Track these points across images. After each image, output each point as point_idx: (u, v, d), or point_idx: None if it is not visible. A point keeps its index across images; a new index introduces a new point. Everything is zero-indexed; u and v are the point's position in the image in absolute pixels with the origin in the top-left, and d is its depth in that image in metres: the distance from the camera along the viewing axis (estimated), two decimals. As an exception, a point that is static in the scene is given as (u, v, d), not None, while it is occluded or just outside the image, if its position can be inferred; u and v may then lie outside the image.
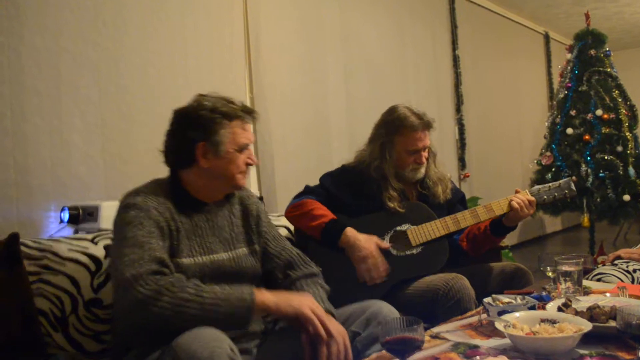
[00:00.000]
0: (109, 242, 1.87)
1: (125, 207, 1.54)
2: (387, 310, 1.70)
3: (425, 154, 2.30)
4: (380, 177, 2.27)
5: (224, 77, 3.49)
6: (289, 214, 2.25)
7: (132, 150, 2.96)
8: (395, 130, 2.27)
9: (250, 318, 1.42)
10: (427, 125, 2.27)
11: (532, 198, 2.21)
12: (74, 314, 1.72)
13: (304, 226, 2.18)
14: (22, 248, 1.71)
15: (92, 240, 1.87)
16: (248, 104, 3.44)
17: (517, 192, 2.26)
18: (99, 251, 1.84)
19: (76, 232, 2.30)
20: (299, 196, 2.28)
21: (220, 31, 3.48)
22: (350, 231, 2.12)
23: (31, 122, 2.56)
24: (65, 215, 2.31)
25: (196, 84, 3.29)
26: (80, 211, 2.30)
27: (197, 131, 1.60)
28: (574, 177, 4.36)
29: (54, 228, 2.45)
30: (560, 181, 2.30)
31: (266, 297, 1.46)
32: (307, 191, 2.28)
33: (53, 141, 2.64)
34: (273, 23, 3.80)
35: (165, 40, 3.16)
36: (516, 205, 2.18)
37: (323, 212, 2.17)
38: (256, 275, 1.73)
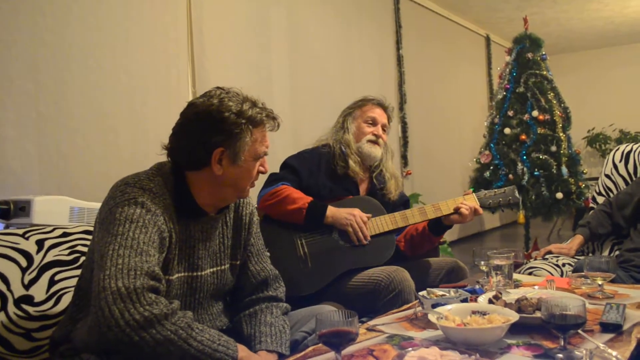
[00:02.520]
0: (41, 237, 1.82)
1: (129, 200, 1.38)
2: (328, 308, 1.71)
3: (382, 133, 2.41)
4: (342, 150, 2.36)
5: (168, 72, 3.43)
6: (265, 203, 2.24)
7: (70, 144, 2.87)
8: (356, 105, 2.45)
9: None
10: (385, 105, 2.46)
11: (479, 207, 2.28)
12: (3, 311, 1.65)
13: (283, 211, 2.19)
14: (-53, 243, 1.63)
15: (22, 236, 1.80)
16: (190, 98, 3.43)
17: (465, 194, 2.33)
18: (30, 246, 1.77)
19: (7, 227, 2.22)
20: (269, 184, 2.27)
21: (164, 25, 3.42)
22: (332, 208, 2.21)
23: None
24: (-4, 210, 2.22)
25: (138, 78, 3.22)
26: (12, 206, 2.22)
27: (219, 135, 1.44)
28: (513, 186, 4.50)
29: (-17, 223, 2.35)
30: (506, 188, 2.39)
31: (248, 359, 1.40)
32: (277, 178, 2.29)
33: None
34: (217, 17, 3.76)
35: (107, 33, 3.09)
36: (465, 212, 2.25)
37: (300, 195, 2.22)
38: (230, 289, 1.68)
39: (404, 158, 5.69)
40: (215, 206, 1.57)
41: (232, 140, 1.46)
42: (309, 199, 2.21)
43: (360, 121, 2.40)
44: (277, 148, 4.00)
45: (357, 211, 2.22)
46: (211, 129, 1.45)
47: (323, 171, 2.33)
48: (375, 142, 2.37)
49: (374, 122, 2.39)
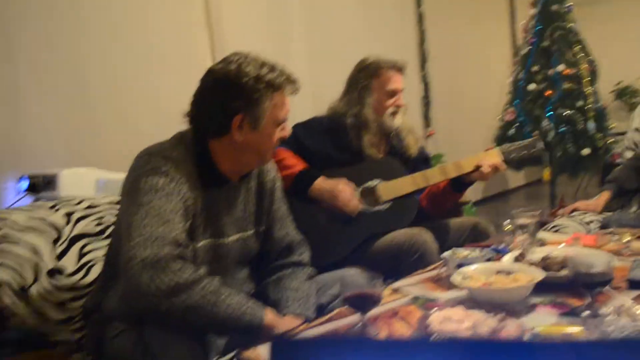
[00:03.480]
0: (69, 209, 1.85)
1: (153, 170, 1.40)
2: (353, 272, 1.73)
3: (401, 98, 2.31)
4: (358, 124, 2.27)
5: (186, 40, 3.42)
6: None
7: (92, 117, 2.91)
8: (372, 73, 2.28)
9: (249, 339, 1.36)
10: (401, 68, 2.31)
11: (501, 163, 2.21)
12: (37, 282, 1.70)
13: None
14: (-21, 219, 1.68)
15: (51, 208, 1.84)
16: (210, 63, 3.41)
17: (488, 149, 2.28)
18: (59, 219, 1.82)
19: (36, 201, 2.26)
20: None
21: (180, 21, 3.41)
22: (320, 180, 2.13)
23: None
24: (24, 184, 2.27)
25: (157, 49, 3.23)
26: (39, 179, 2.26)
27: (238, 101, 1.44)
28: (536, 132, 4.43)
29: (12, 199, 2.41)
30: (529, 140, 2.32)
31: (275, 323, 1.42)
32: None
33: (8, 110, 2.56)
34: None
35: (124, 5, 3.08)
36: (485, 170, 2.18)
37: (294, 162, 2.15)
38: (255, 255, 1.69)
39: (426, 118, 5.62)
40: (238, 173, 1.58)
41: (252, 106, 1.45)
42: (302, 166, 2.15)
43: (379, 94, 2.27)
44: (297, 114, 3.99)
45: (340, 182, 2.14)
46: (230, 95, 1.44)
47: (332, 140, 2.27)
48: (396, 112, 2.31)
49: (394, 94, 2.29)
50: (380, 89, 2.27)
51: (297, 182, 2.11)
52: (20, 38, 2.62)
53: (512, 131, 5.03)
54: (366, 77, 2.29)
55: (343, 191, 2.12)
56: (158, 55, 3.25)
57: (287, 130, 1.57)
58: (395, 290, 1.61)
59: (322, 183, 2.13)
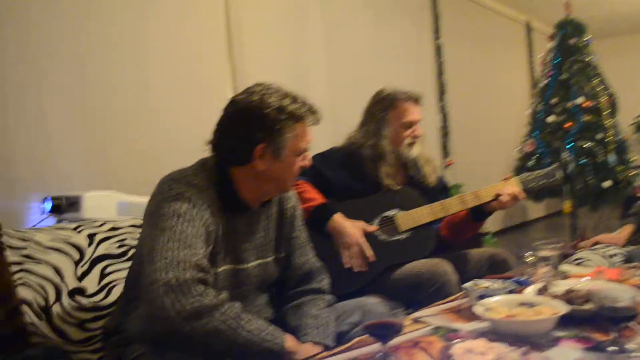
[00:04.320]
0: (92, 231, 1.87)
1: (176, 195, 1.41)
2: (374, 300, 1.72)
3: (419, 129, 2.31)
4: (375, 156, 2.26)
5: (208, 68, 3.49)
6: None
7: (115, 140, 2.95)
8: (389, 105, 2.28)
9: None
10: (417, 99, 2.30)
11: (520, 192, 2.19)
12: (58, 302, 1.71)
13: None
14: (4, 238, 1.69)
15: (74, 230, 1.86)
16: (230, 92, 3.46)
17: (505, 179, 2.27)
18: (81, 240, 1.83)
19: (59, 222, 2.29)
20: None
21: (201, 23, 3.47)
22: (338, 217, 2.12)
23: (12, 116, 2.54)
24: (48, 205, 2.30)
25: (182, 75, 3.29)
26: (63, 201, 2.29)
27: (260, 131, 1.45)
28: (556, 164, 4.40)
29: (35, 219, 2.44)
30: (547, 169, 2.31)
31: (295, 349, 1.42)
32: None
33: (34, 133, 2.61)
34: (254, 14, 3.78)
35: (152, 36, 3.15)
36: (504, 199, 2.16)
37: (313, 195, 2.15)
38: (275, 281, 1.69)
39: (445, 148, 5.62)
40: (259, 200, 1.59)
41: (274, 136, 1.46)
42: (321, 201, 2.14)
43: (396, 126, 2.26)
44: (317, 140, 4.02)
45: (359, 232, 2.09)
46: (253, 126, 1.46)
47: (350, 171, 2.27)
48: (413, 143, 2.30)
49: (411, 125, 2.28)
50: (397, 121, 2.27)
51: (313, 217, 2.10)
52: (47, 63, 2.68)
53: (531, 162, 5.00)
54: (383, 109, 2.29)
55: (357, 245, 2.08)
56: (180, 85, 3.31)
57: (308, 159, 1.58)
58: (416, 320, 1.58)
59: (339, 223, 2.10)
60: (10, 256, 1.68)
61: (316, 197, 2.16)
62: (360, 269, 2.10)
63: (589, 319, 1.41)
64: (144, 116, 3.11)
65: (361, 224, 2.14)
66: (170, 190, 1.43)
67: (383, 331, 1.29)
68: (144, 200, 1.51)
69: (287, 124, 1.47)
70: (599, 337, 1.36)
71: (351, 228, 2.10)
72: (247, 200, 1.54)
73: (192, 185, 1.45)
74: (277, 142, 1.47)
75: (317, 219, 2.11)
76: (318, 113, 1.55)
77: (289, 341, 1.41)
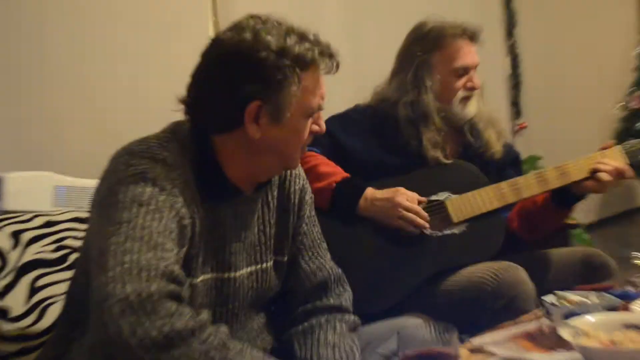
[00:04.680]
0: (16, 228, 1.88)
1: (136, 175, 1.40)
2: (414, 322, 1.75)
3: (476, 77, 2.31)
4: (416, 117, 2.28)
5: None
6: None
7: (53, 105, 2.97)
8: (434, 45, 2.30)
9: None
10: (474, 35, 2.31)
11: (626, 167, 2.19)
12: (-30, 330, 1.73)
13: None
14: None
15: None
16: (211, 30, 3.45)
17: (604, 148, 2.27)
18: (2, 241, 1.84)
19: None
20: None
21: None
22: (370, 192, 2.14)
23: None
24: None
25: (141, 11, 3.29)
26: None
27: (254, 84, 1.44)
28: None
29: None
30: None
31: None
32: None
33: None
34: None
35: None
36: (605, 176, 2.16)
37: (331, 169, 2.18)
38: (275, 296, 1.71)
39: (516, 105, 5.58)
40: (253, 181, 1.59)
41: (273, 91, 1.45)
42: (342, 175, 2.16)
43: (445, 74, 2.29)
44: (333, 98, 4.01)
45: (399, 191, 2.14)
46: (243, 76, 1.45)
47: (379, 138, 2.30)
48: (469, 97, 2.32)
49: (465, 72, 2.30)
50: (445, 66, 2.29)
51: (338, 196, 2.12)
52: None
53: (639, 124, 4.96)
54: (425, 49, 2.31)
55: (407, 200, 2.12)
56: (142, 21, 3.30)
57: (321, 123, 1.58)
58: (476, 350, 1.60)
59: (374, 194, 2.14)
60: None
61: (335, 171, 2.17)
62: (424, 230, 2.14)
63: None
64: (90, 64, 3.11)
65: (404, 190, 2.15)
66: (127, 168, 1.42)
67: (429, 365, 1.30)
68: (92, 183, 1.51)
69: (291, 73, 1.45)
70: None
71: (393, 192, 2.13)
72: (235, 181, 1.54)
73: (158, 161, 1.44)
74: (278, 98, 1.46)
75: (342, 201, 2.13)
76: (335, 56, 1.54)
77: None
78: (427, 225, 2.14)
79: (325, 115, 1.69)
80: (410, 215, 2.12)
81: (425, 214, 2.14)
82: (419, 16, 2.38)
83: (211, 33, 3.31)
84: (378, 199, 2.13)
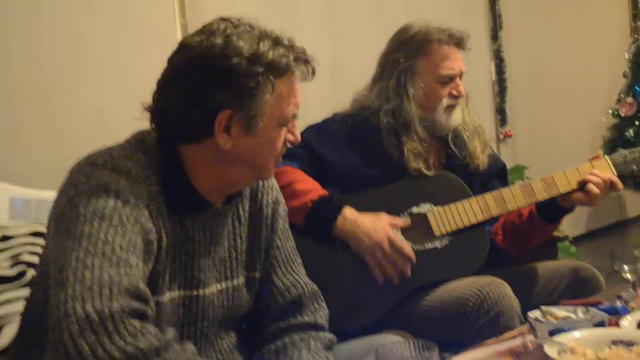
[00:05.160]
0: None
1: (99, 188, 1.39)
2: (393, 339, 1.73)
3: (462, 84, 2.32)
4: (398, 126, 2.29)
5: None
6: None
7: (8, 112, 2.95)
8: (418, 51, 2.30)
9: None
10: (460, 41, 2.31)
11: (616, 178, 2.21)
12: None
13: None
14: None
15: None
16: (179, 33, 3.45)
17: (593, 159, 2.28)
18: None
19: None
20: None
21: None
22: (349, 212, 2.14)
23: None
24: None
25: (107, 13, 3.28)
26: None
27: (224, 91, 1.45)
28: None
29: None
30: None
31: None
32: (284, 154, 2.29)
33: None
34: None
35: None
36: (595, 188, 2.17)
37: (307, 186, 2.17)
38: (247, 313, 1.71)
39: (501, 113, 5.61)
40: (223, 194, 1.60)
41: (245, 99, 1.46)
42: (320, 192, 2.16)
43: (429, 81, 2.29)
44: (310, 105, 4.01)
45: (385, 225, 2.14)
46: (213, 83, 1.45)
47: (358, 149, 2.30)
48: (454, 106, 2.33)
49: (450, 79, 2.30)
50: (430, 73, 2.30)
51: (314, 216, 2.12)
52: None
53: (630, 132, 5.01)
54: (409, 55, 2.31)
55: (385, 243, 2.11)
56: (107, 24, 3.29)
57: (296, 132, 1.59)
58: (458, 369, 1.60)
59: (348, 220, 2.13)
60: None
61: (312, 188, 2.17)
62: (405, 274, 2.11)
63: None
64: (48, 69, 3.10)
65: (384, 216, 2.15)
66: (88, 180, 1.42)
67: (408, 385, 1.30)
68: (51, 195, 1.50)
69: (265, 81, 1.46)
70: None
71: (372, 223, 2.12)
72: (204, 193, 1.54)
73: (121, 172, 1.44)
74: (250, 107, 1.46)
75: (319, 219, 2.12)
76: (312, 63, 1.55)
77: None
78: (408, 274, 2.13)
79: (301, 123, 1.70)
80: (384, 259, 2.12)
81: (409, 252, 2.13)
82: (403, 19, 2.38)
83: (179, 37, 3.29)
84: (351, 230, 2.13)
